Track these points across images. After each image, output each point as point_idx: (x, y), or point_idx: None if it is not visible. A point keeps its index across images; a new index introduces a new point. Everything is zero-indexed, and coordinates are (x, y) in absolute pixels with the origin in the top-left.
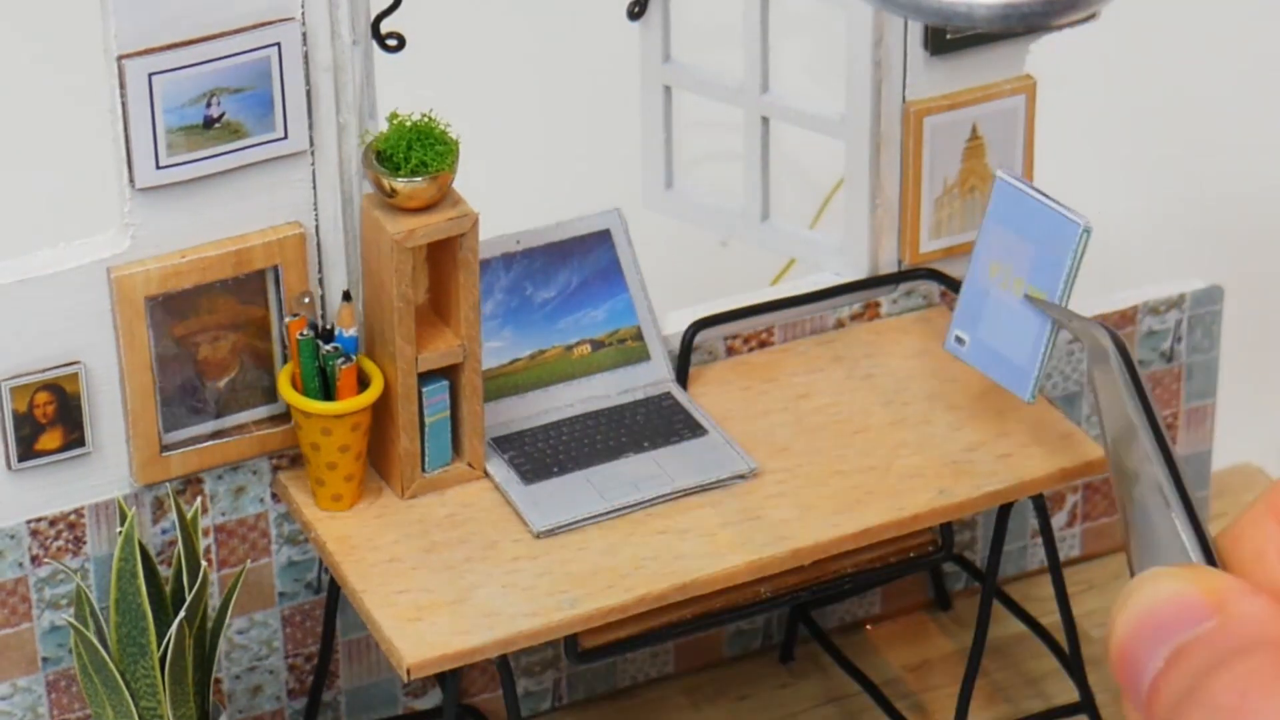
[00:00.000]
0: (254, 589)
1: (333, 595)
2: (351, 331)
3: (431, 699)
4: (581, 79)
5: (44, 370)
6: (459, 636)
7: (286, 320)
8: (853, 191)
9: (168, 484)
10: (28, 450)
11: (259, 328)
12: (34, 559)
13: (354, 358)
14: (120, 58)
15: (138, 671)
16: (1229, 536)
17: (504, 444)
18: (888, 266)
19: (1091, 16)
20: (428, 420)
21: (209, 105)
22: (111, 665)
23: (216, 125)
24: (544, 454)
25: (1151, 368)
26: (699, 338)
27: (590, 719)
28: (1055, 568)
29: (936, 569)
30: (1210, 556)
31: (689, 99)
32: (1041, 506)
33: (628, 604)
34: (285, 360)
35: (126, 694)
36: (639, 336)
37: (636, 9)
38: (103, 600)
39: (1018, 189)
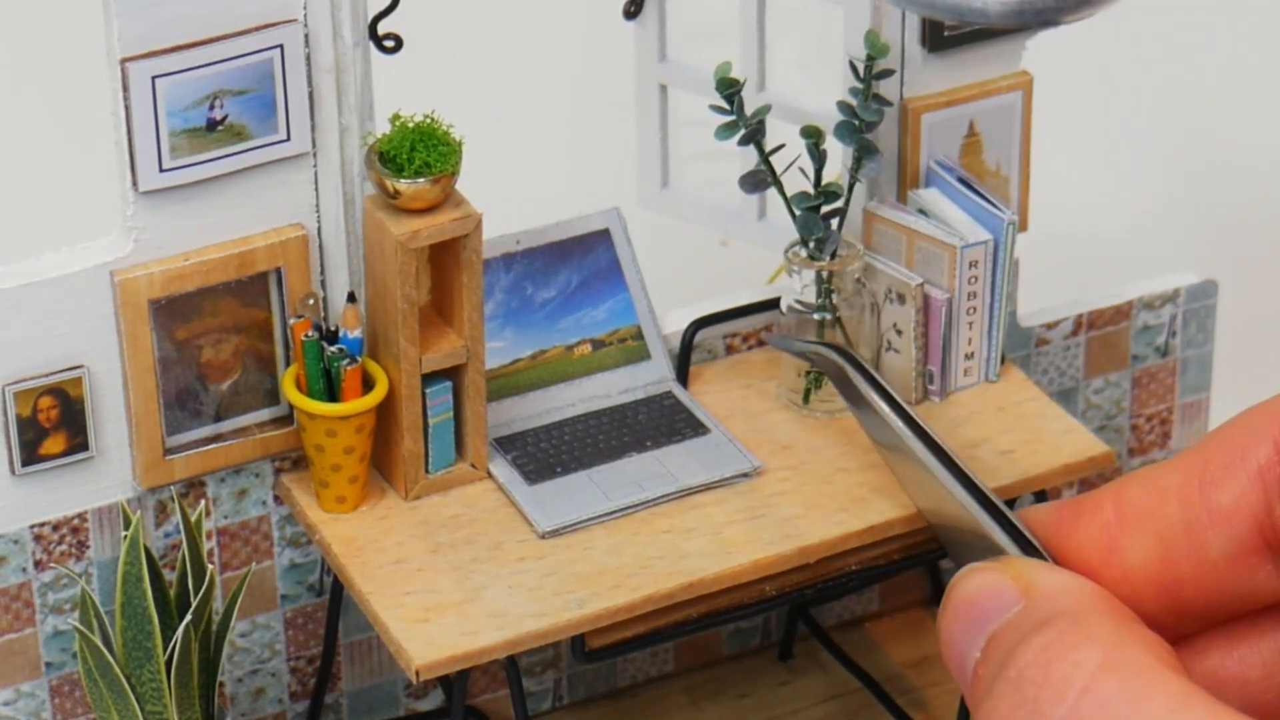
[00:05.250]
0: (256, 592)
1: (335, 597)
2: (356, 333)
3: (433, 700)
4: (578, 79)
5: (47, 374)
6: (467, 637)
7: (291, 322)
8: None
9: (171, 487)
10: (31, 455)
11: (261, 330)
12: (38, 564)
13: (358, 359)
14: (123, 60)
15: (143, 675)
16: (1069, 509)
17: (506, 444)
18: None
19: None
20: (431, 421)
21: (212, 108)
22: (117, 669)
23: (219, 128)
24: (547, 454)
25: (1147, 362)
26: (699, 336)
27: (591, 718)
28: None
29: (935, 566)
30: (1021, 539)
31: (685, 98)
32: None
33: (635, 603)
34: (288, 362)
35: (132, 698)
36: (639, 336)
37: (632, 8)
38: (106, 604)
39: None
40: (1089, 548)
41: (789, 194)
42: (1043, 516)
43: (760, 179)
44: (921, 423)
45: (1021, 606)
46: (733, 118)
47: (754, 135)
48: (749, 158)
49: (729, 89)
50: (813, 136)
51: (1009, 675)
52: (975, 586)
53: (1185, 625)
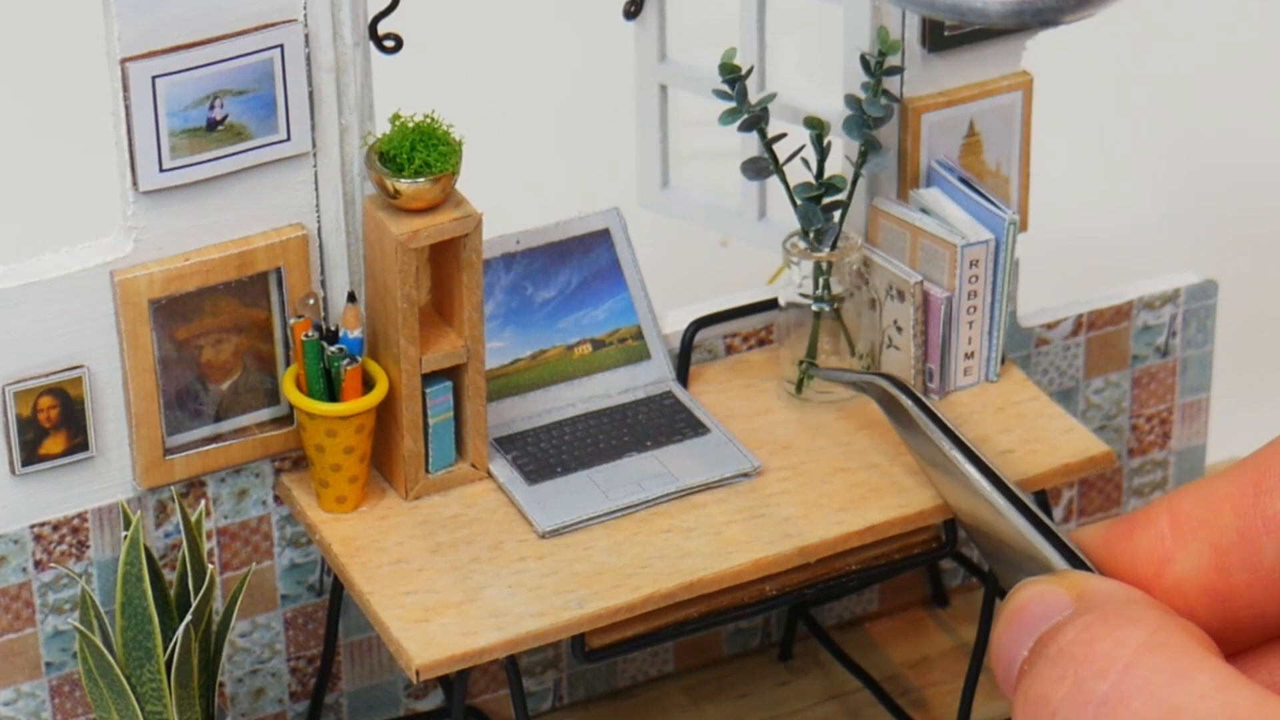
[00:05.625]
0: (256, 592)
1: (335, 597)
2: (356, 333)
3: (433, 700)
4: (578, 79)
5: (48, 374)
6: (467, 637)
7: (291, 322)
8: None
9: (171, 487)
10: (32, 455)
11: (261, 330)
12: (38, 564)
13: (359, 359)
14: (123, 60)
15: (143, 675)
16: (1122, 526)
17: (506, 444)
18: None
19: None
20: (431, 421)
21: (212, 108)
22: (117, 669)
23: (219, 128)
24: (547, 454)
25: (1146, 363)
26: (699, 336)
27: (591, 718)
28: None
29: (934, 566)
30: (1071, 557)
31: (685, 98)
32: (1044, 503)
33: (635, 603)
34: (288, 362)
35: (132, 698)
36: (639, 336)
37: (632, 8)
38: (107, 604)
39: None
40: (1143, 560)
41: (793, 186)
42: (1095, 534)
43: (762, 166)
44: (973, 447)
45: (1072, 610)
46: (734, 104)
47: (756, 122)
48: (750, 153)
49: (731, 74)
50: (816, 128)
51: (1049, 653)
52: (1027, 596)
53: (1239, 638)
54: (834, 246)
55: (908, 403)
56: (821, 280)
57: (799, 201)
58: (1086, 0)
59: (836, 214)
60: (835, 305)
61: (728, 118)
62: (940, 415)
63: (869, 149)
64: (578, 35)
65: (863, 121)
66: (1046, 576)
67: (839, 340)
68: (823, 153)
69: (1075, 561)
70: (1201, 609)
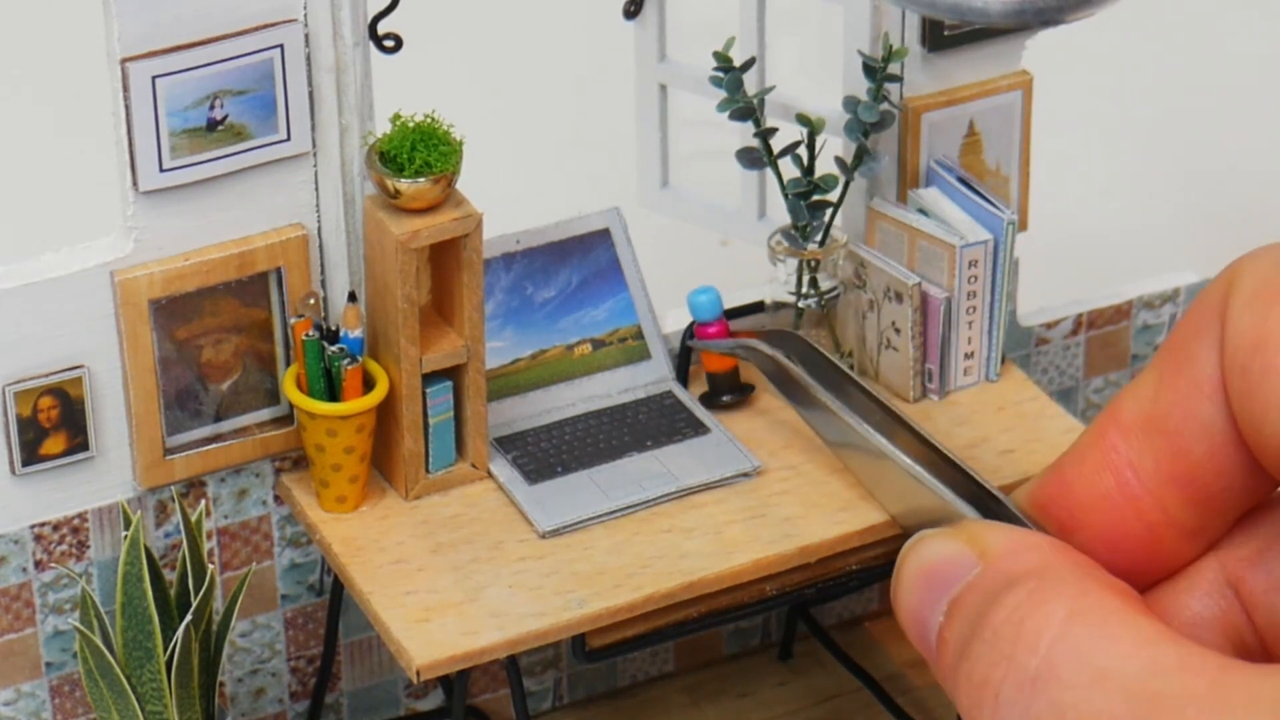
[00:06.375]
0: (256, 591)
1: (335, 597)
2: (357, 333)
3: (433, 700)
4: (578, 78)
5: (48, 374)
6: (467, 637)
7: (292, 321)
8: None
9: (171, 487)
10: (32, 455)
11: (261, 330)
12: (38, 564)
13: (359, 359)
14: (123, 61)
15: (144, 675)
16: (1059, 483)
17: (507, 444)
18: None
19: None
20: (432, 421)
21: (212, 107)
22: (118, 669)
23: (220, 128)
24: (547, 454)
25: (1146, 361)
26: None
27: (591, 718)
28: None
29: None
30: (1002, 511)
31: (685, 98)
32: None
33: (635, 603)
34: (288, 362)
35: (133, 698)
36: (639, 335)
37: (632, 8)
38: (107, 604)
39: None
40: (1097, 483)
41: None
42: (1034, 483)
43: (756, 156)
44: (894, 409)
45: (980, 569)
46: (725, 95)
47: (750, 112)
48: (750, 144)
49: (724, 63)
50: (809, 125)
51: (984, 636)
52: (930, 555)
53: (1218, 520)
54: (821, 244)
55: (794, 367)
56: (807, 278)
57: (789, 195)
58: (1087, 0)
59: (826, 212)
60: (823, 303)
61: (723, 105)
62: (847, 371)
63: (861, 155)
64: (578, 35)
65: (859, 126)
66: (942, 530)
67: (825, 338)
68: (812, 149)
69: (1005, 514)
70: (1174, 502)
